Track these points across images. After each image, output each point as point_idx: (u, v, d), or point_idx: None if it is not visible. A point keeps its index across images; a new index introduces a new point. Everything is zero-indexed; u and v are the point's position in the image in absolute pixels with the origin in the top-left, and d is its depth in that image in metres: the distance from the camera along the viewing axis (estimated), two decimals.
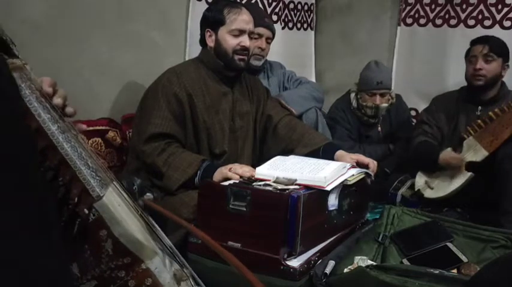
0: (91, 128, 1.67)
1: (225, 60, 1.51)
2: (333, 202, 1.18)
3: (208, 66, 1.54)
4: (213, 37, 1.52)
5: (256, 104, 1.67)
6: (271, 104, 1.72)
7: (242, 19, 1.50)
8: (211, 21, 1.51)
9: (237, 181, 1.21)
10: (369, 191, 1.45)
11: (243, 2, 2.34)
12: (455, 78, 2.29)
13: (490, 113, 1.86)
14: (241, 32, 1.50)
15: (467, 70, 2.01)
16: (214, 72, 1.55)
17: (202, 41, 1.57)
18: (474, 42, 2.00)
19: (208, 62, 1.54)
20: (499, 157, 1.77)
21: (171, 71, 1.51)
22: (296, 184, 1.13)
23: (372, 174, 1.39)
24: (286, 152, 1.48)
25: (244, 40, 1.50)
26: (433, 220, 1.39)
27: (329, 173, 1.18)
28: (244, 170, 1.27)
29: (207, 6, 2.13)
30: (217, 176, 1.31)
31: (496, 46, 1.93)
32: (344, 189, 1.22)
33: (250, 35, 1.55)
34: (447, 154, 1.93)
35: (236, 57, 1.51)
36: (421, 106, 2.45)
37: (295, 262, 1.05)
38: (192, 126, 1.50)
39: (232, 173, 1.27)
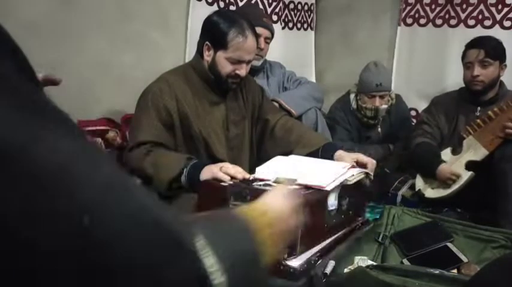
0: (91, 128, 1.67)
1: (217, 79, 1.48)
2: (332, 201, 1.18)
3: (201, 76, 1.51)
4: (211, 53, 1.46)
5: (252, 108, 1.64)
6: (267, 105, 1.69)
7: (245, 49, 1.43)
8: (213, 37, 1.45)
9: (237, 181, 1.21)
10: (366, 191, 1.45)
11: (243, 2, 2.34)
12: (455, 78, 2.29)
13: (490, 112, 1.86)
14: (240, 62, 1.45)
15: (465, 75, 2.00)
16: (206, 82, 1.52)
17: (199, 48, 1.51)
18: (469, 46, 1.99)
19: (200, 71, 1.51)
20: (496, 157, 1.77)
21: (163, 80, 1.47)
22: (296, 184, 1.13)
23: (371, 173, 1.38)
24: (284, 155, 1.47)
25: (241, 69, 1.46)
26: (433, 220, 1.39)
27: (329, 173, 1.18)
28: (237, 170, 1.22)
29: (207, 6, 2.14)
30: (205, 174, 1.25)
31: (491, 50, 1.91)
32: (343, 188, 1.22)
33: (249, 63, 1.50)
34: (446, 171, 1.90)
35: (229, 80, 1.48)
36: (421, 106, 2.45)
37: (295, 262, 1.05)
38: (188, 137, 1.47)
39: (223, 173, 1.21)
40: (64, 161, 0.28)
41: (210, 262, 0.38)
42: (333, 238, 1.21)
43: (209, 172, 1.25)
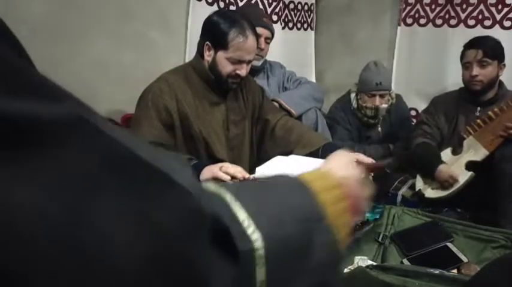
0: None
1: (218, 79, 1.49)
2: None
3: (201, 77, 1.51)
4: (211, 53, 1.47)
5: (252, 108, 1.65)
6: (267, 106, 1.69)
7: (245, 49, 1.44)
8: (214, 37, 1.45)
9: (237, 181, 1.20)
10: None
11: (243, 2, 2.34)
12: (455, 78, 2.29)
13: (490, 112, 1.86)
14: (240, 61, 1.46)
15: (464, 75, 2.01)
16: (206, 83, 1.52)
17: (200, 48, 1.52)
18: (467, 46, 1.99)
19: (200, 71, 1.51)
20: (497, 157, 1.77)
21: (163, 80, 1.47)
22: None
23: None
24: (284, 155, 1.47)
25: (241, 69, 1.47)
26: (433, 220, 1.39)
27: None
28: (237, 170, 1.22)
29: (207, 6, 2.14)
30: (205, 174, 1.26)
31: (489, 50, 1.91)
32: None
33: (249, 62, 1.51)
34: (445, 172, 1.90)
35: (230, 80, 1.48)
36: (421, 106, 2.45)
37: None
38: (188, 137, 1.47)
39: (223, 172, 1.22)
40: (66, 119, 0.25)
41: (240, 217, 0.31)
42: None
43: (209, 172, 1.25)
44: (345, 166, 0.49)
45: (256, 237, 0.31)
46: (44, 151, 0.23)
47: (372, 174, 1.36)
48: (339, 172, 0.47)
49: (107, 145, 0.27)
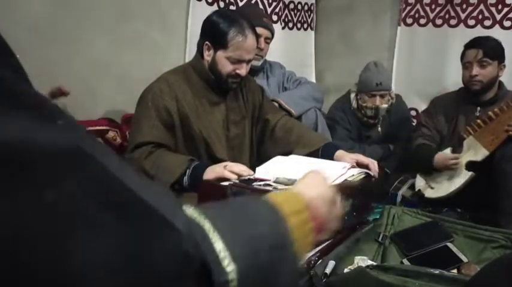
0: (91, 128, 1.67)
1: (218, 78, 1.48)
2: None
3: (201, 76, 1.51)
4: (211, 53, 1.47)
5: (252, 107, 1.65)
6: (267, 105, 1.69)
7: (245, 48, 1.43)
8: (213, 37, 1.45)
9: (237, 181, 1.20)
10: (372, 193, 1.44)
11: (243, 2, 2.34)
12: (455, 78, 2.29)
13: (490, 112, 1.86)
14: (240, 61, 1.46)
15: (464, 75, 2.01)
16: (206, 82, 1.52)
17: (200, 48, 1.52)
18: (468, 46, 1.99)
19: (200, 71, 1.51)
20: (497, 157, 1.77)
21: (163, 81, 1.47)
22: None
23: (374, 174, 1.37)
24: (284, 155, 1.46)
25: (241, 69, 1.46)
26: (433, 220, 1.39)
27: (329, 173, 1.18)
28: (241, 169, 1.22)
29: (207, 6, 2.15)
30: (209, 174, 1.25)
31: (489, 50, 1.92)
32: (346, 189, 1.22)
33: (249, 62, 1.50)
34: (442, 157, 1.91)
35: (230, 80, 1.48)
36: (421, 106, 2.45)
37: None
38: (188, 137, 1.47)
39: (228, 171, 1.22)
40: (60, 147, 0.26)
41: (217, 248, 0.33)
42: (332, 239, 1.20)
43: (212, 172, 1.25)
44: (315, 186, 0.53)
45: (231, 269, 0.32)
46: (41, 181, 0.24)
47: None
48: (309, 192, 0.50)
49: (105, 180, 0.27)
